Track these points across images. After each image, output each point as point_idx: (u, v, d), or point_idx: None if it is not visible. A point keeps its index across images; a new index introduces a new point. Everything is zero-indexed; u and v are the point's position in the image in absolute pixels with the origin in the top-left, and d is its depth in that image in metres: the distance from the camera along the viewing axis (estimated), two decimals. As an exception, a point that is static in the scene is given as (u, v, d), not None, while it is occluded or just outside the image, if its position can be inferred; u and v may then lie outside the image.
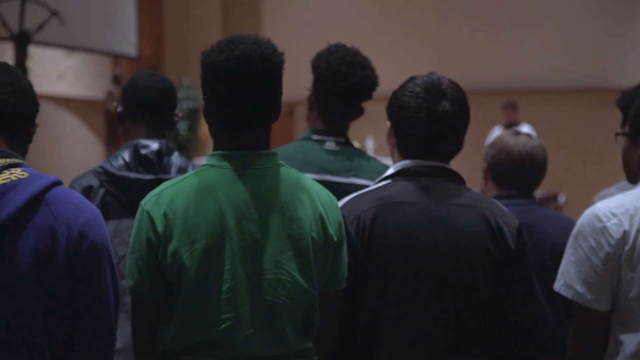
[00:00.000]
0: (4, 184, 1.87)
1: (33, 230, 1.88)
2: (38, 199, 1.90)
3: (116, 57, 13.15)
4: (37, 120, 2.08)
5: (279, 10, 13.72)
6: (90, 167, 2.89)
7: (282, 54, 2.09)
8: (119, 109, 2.91)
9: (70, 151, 12.64)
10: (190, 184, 2.03)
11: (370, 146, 9.87)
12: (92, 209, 1.99)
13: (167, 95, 2.86)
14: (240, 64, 2.02)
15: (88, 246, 1.94)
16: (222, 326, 1.98)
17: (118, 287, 2.03)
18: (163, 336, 2.04)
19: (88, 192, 2.71)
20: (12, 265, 1.85)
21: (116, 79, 12.81)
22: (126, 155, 2.78)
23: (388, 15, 12.96)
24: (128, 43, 11.91)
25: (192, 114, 12.74)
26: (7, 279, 1.85)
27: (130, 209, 2.73)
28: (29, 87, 2.05)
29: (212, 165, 2.07)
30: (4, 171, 1.90)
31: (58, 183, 1.96)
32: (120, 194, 2.73)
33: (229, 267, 1.99)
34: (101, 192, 2.74)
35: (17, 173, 1.91)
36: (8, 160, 1.92)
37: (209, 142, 8.59)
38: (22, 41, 9.41)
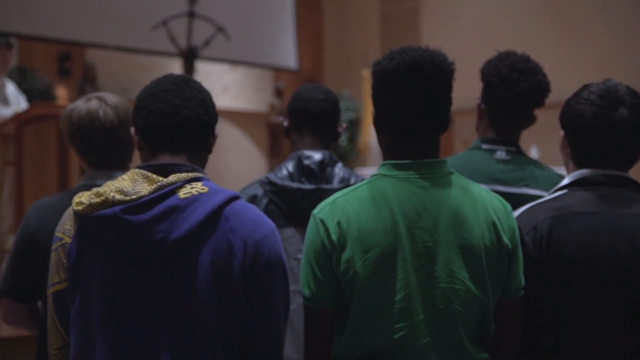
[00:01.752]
0: (185, 198, 1.90)
1: (212, 244, 1.90)
2: (217, 214, 1.92)
3: (277, 71, 13.41)
4: (216, 131, 2.12)
5: (438, 21, 13.63)
6: (253, 178, 2.96)
7: (452, 63, 2.09)
8: (285, 124, 2.96)
9: (234, 163, 12.99)
10: (363, 194, 2.04)
11: (533, 155, 9.64)
12: (268, 224, 2.01)
13: (331, 107, 2.89)
14: (411, 69, 2.03)
15: (263, 261, 1.95)
16: (397, 335, 1.98)
17: (289, 302, 2.05)
18: (337, 344, 2.05)
19: (252, 200, 2.78)
20: (193, 277, 1.89)
21: (278, 92, 13.07)
22: (290, 165, 2.84)
23: (548, 23, 12.63)
24: (289, 56, 12.13)
25: (351, 125, 12.84)
26: (188, 290, 1.89)
27: (291, 217, 2.78)
28: (209, 99, 2.08)
29: (383, 175, 2.07)
30: (186, 185, 1.93)
31: (236, 197, 1.99)
32: (282, 203, 2.79)
33: (402, 276, 1.98)
34: (265, 201, 2.81)
35: (198, 187, 1.94)
36: (190, 175, 1.95)
37: (369, 153, 8.61)
38: (189, 56, 9.78)
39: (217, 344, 1.91)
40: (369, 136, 11.24)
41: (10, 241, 6.80)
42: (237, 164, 13.10)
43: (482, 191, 2.10)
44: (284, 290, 2.01)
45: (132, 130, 2.07)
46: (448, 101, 2.08)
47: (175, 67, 11.50)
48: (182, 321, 1.89)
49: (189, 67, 9.81)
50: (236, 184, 2.05)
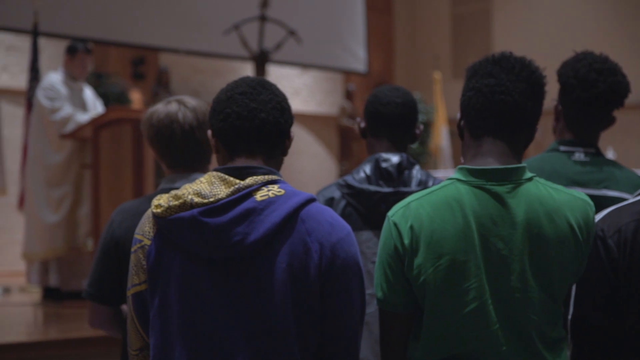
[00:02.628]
0: (262, 201, 1.91)
1: (288, 246, 1.91)
2: (294, 216, 1.93)
3: (347, 73, 13.42)
4: (292, 134, 2.13)
5: (510, 22, 13.47)
6: (324, 181, 2.97)
7: (544, 76, 2.08)
8: (362, 125, 2.96)
9: (305, 166, 13.04)
10: (437, 198, 2.03)
11: (610, 157, 9.44)
12: (344, 227, 2.00)
13: (408, 110, 2.88)
14: (497, 60, 2.03)
15: (339, 264, 1.95)
16: (473, 344, 1.97)
17: (365, 304, 2.04)
18: (412, 349, 2.05)
19: (330, 203, 2.79)
20: (270, 279, 1.90)
21: (349, 95, 13.07)
22: (367, 168, 2.83)
23: (627, 21, 12.36)
24: (358, 59, 12.12)
25: (422, 128, 12.73)
26: (265, 291, 1.90)
27: (368, 220, 2.78)
28: (285, 102, 2.08)
29: (458, 180, 2.05)
30: (262, 188, 1.95)
31: (312, 200, 1.99)
32: (359, 206, 2.78)
33: (475, 284, 1.96)
34: (342, 203, 2.81)
35: (274, 190, 1.95)
36: (266, 177, 1.97)
37: (441, 156, 8.55)
38: (261, 60, 9.84)
39: (293, 345, 1.91)
40: (441, 139, 11.17)
41: (89, 243, 6.93)
42: (308, 167, 13.15)
43: (565, 195, 2.06)
44: (359, 292, 2.00)
45: (209, 132, 2.09)
46: (537, 105, 2.05)
47: (247, 70, 11.59)
48: (258, 323, 1.90)
49: (261, 71, 9.87)
50: (307, 187, 2.04)
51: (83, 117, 6.92)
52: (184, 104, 2.69)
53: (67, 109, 6.95)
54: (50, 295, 7.12)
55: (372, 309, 2.72)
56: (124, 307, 2.73)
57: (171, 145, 2.67)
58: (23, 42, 9.90)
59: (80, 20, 9.24)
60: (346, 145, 12.80)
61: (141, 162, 6.39)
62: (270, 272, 1.90)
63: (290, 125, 2.10)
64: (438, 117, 11.22)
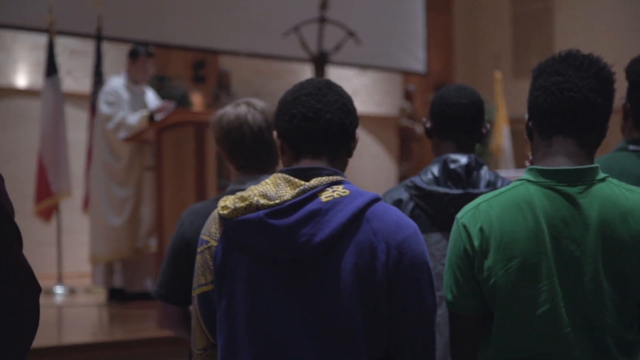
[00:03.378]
0: (327, 202, 1.91)
1: (354, 247, 1.90)
2: (359, 216, 1.92)
3: (406, 74, 13.37)
4: (357, 135, 2.12)
5: (572, 21, 13.27)
6: (384, 182, 2.95)
7: (613, 72, 2.04)
8: (427, 125, 2.93)
9: (364, 167, 13.03)
10: (507, 199, 2.00)
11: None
12: (410, 226, 1.99)
13: (475, 110, 2.84)
14: (564, 57, 2.00)
15: (407, 263, 1.94)
16: (545, 347, 1.93)
17: (436, 302, 2.02)
18: (483, 351, 2.03)
19: (398, 205, 2.76)
20: (336, 280, 1.90)
21: (408, 95, 13.02)
22: (435, 169, 2.80)
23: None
24: (417, 60, 12.07)
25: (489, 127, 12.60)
26: (331, 292, 1.90)
27: (437, 222, 2.75)
28: (350, 103, 2.09)
29: (528, 181, 2.01)
30: (327, 189, 1.95)
31: (377, 199, 1.98)
32: (428, 208, 2.76)
33: (547, 287, 1.93)
34: (410, 205, 2.78)
35: (339, 190, 1.95)
36: (331, 178, 1.96)
37: (502, 156, 8.41)
38: (320, 61, 9.86)
39: (360, 346, 1.91)
40: (502, 139, 11.05)
41: (152, 244, 7.01)
42: (367, 168, 13.12)
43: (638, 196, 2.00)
44: (429, 290, 1.99)
45: (275, 133, 2.10)
46: (607, 101, 2.01)
47: (307, 72, 11.62)
48: (325, 323, 1.90)
49: (320, 72, 9.88)
50: (366, 188, 2.05)
51: (133, 118, 6.99)
52: (253, 106, 2.72)
53: (119, 115, 7.03)
54: (115, 296, 7.22)
55: (441, 310, 2.70)
56: (191, 308, 2.74)
57: (240, 146, 2.70)
58: (86, 47, 10.06)
59: (142, 24, 9.36)
60: (406, 146, 12.74)
61: (203, 163, 6.46)
62: (337, 272, 1.90)
63: (356, 126, 2.10)
64: (499, 117, 11.11)
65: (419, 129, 12.48)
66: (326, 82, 2.09)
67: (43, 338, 5.66)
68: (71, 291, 8.04)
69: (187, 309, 2.75)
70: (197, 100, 10.91)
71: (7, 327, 1.76)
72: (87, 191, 7.95)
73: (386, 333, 1.95)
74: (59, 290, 7.97)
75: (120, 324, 6.61)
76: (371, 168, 13.15)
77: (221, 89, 10.99)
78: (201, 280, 2.06)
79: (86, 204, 8.03)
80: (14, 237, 1.81)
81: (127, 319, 6.70)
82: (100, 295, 7.65)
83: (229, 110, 2.73)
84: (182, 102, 9.65)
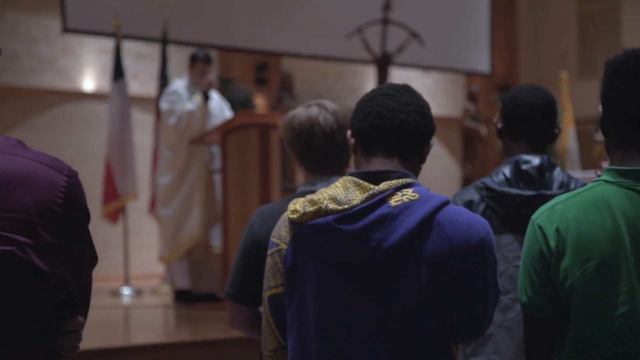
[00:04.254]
0: (396, 206, 1.90)
1: (425, 251, 1.89)
2: (430, 220, 1.90)
3: (469, 75, 13.27)
4: (431, 142, 2.11)
5: (640, 19, 13.02)
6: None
7: None
8: (499, 126, 2.89)
9: (428, 168, 12.91)
10: (583, 200, 1.96)
11: None
12: (482, 226, 1.96)
13: (547, 111, 2.80)
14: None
15: (477, 257, 1.92)
16: (622, 348, 1.89)
17: (498, 296, 2.01)
18: (557, 355, 1.99)
19: (469, 206, 2.73)
20: (407, 285, 1.89)
21: (472, 96, 12.92)
22: (507, 170, 2.76)
23: None
24: (481, 60, 11.97)
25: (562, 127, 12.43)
26: (402, 297, 1.89)
27: (509, 224, 2.71)
28: (426, 107, 2.09)
29: (606, 181, 1.97)
30: (397, 193, 1.93)
31: (447, 203, 1.96)
32: (500, 210, 2.72)
33: (625, 288, 1.88)
34: (481, 206, 2.75)
35: (408, 194, 1.92)
36: (400, 181, 1.95)
37: (568, 157, 8.27)
38: (383, 63, 9.84)
39: (431, 351, 1.90)
40: (568, 140, 10.89)
41: (217, 246, 7.06)
42: (431, 169, 13.02)
43: None
44: (492, 275, 1.96)
45: (349, 132, 2.10)
46: None
47: (370, 74, 11.61)
48: (396, 328, 1.89)
49: (383, 74, 9.86)
50: (432, 190, 2.01)
51: (189, 106, 7.06)
52: (324, 108, 2.72)
53: (177, 108, 7.10)
54: (182, 297, 7.28)
55: (514, 313, 2.66)
56: (261, 309, 2.76)
57: (312, 148, 2.70)
58: (151, 50, 10.20)
59: (205, 28, 9.46)
60: (470, 148, 12.65)
61: (267, 165, 6.50)
62: (407, 276, 1.88)
63: (431, 132, 2.09)
64: (565, 118, 10.94)
65: (482, 130, 12.37)
66: (404, 86, 2.09)
67: (110, 339, 5.76)
68: (138, 292, 8.15)
69: (257, 309, 2.76)
70: (259, 102, 10.97)
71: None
72: (153, 193, 8.06)
73: (451, 317, 1.94)
74: (126, 291, 8.09)
75: (187, 325, 6.67)
76: (434, 170, 13.06)
77: (284, 91, 11.03)
78: (271, 283, 2.06)
79: (152, 206, 8.13)
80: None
81: (193, 320, 6.77)
82: (167, 296, 7.74)
83: (300, 112, 2.73)
84: (246, 104, 9.71)
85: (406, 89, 2.07)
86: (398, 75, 11.96)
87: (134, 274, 8.76)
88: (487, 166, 12.53)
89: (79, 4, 8.63)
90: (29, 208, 1.54)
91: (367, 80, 12.23)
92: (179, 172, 7.18)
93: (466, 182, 12.54)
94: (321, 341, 1.94)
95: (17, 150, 1.61)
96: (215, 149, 7.17)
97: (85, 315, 1.77)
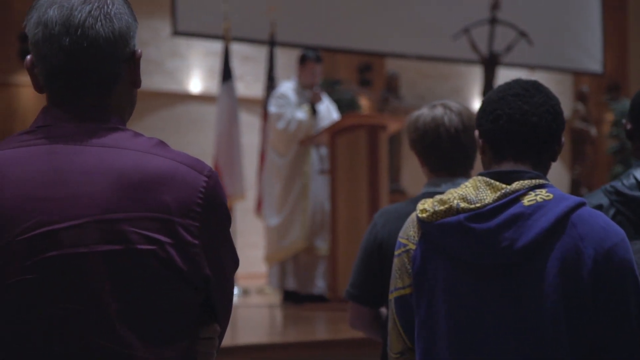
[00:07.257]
0: (529, 206, 1.86)
1: (559, 252, 1.85)
2: (564, 221, 1.86)
3: (576, 75, 12.99)
4: (563, 139, 2.06)
5: None
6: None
7: None
8: (628, 127, 2.79)
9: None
10: None
11: None
12: (618, 232, 1.91)
13: None
14: None
15: (614, 271, 1.86)
16: None
17: None
18: None
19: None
20: (540, 285, 1.85)
21: (582, 97, 12.64)
22: (638, 174, 2.66)
23: None
24: (593, 60, 11.68)
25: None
26: (535, 298, 1.85)
27: None
28: (558, 106, 2.02)
29: None
30: (530, 192, 1.89)
31: (583, 204, 1.91)
32: (631, 215, 2.62)
33: None
34: (611, 211, 2.65)
35: (542, 194, 1.88)
36: (534, 182, 1.91)
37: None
38: (491, 63, 9.71)
39: (565, 353, 1.84)
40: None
41: (323, 247, 7.08)
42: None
43: None
44: (636, 299, 1.88)
45: (476, 133, 2.05)
46: None
47: (475, 74, 11.47)
48: (529, 329, 1.85)
49: (490, 74, 9.74)
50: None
51: (301, 113, 7.08)
52: (449, 108, 2.71)
53: (287, 113, 7.14)
54: (290, 297, 7.32)
55: None
56: (383, 310, 2.76)
57: (436, 148, 2.68)
58: (257, 52, 10.31)
59: (311, 29, 9.51)
60: (579, 149, 12.39)
61: (376, 166, 6.51)
62: (540, 278, 1.84)
63: (562, 130, 2.03)
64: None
65: (593, 131, 12.08)
66: (533, 83, 2.03)
67: (219, 338, 5.81)
68: (245, 292, 8.23)
69: (378, 310, 2.76)
70: (364, 103, 10.97)
71: None
72: (259, 194, 8.13)
73: (589, 340, 1.87)
74: (234, 291, 8.17)
75: (294, 326, 6.71)
76: (542, 171, 12.85)
77: (389, 92, 11.00)
78: (398, 284, 2.04)
79: (259, 206, 8.20)
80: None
81: (300, 320, 6.80)
82: (273, 296, 7.80)
83: (425, 112, 2.72)
84: (351, 105, 9.72)
85: (536, 87, 2.01)
86: (503, 75, 11.78)
87: (240, 273, 8.85)
88: (597, 168, 12.23)
89: (188, 7, 8.79)
90: (170, 208, 1.53)
91: (472, 81, 12.10)
92: (286, 181, 7.22)
93: (575, 184, 12.28)
94: (452, 343, 1.91)
95: (159, 150, 1.63)
96: (323, 151, 7.19)
97: (224, 324, 1.76)
